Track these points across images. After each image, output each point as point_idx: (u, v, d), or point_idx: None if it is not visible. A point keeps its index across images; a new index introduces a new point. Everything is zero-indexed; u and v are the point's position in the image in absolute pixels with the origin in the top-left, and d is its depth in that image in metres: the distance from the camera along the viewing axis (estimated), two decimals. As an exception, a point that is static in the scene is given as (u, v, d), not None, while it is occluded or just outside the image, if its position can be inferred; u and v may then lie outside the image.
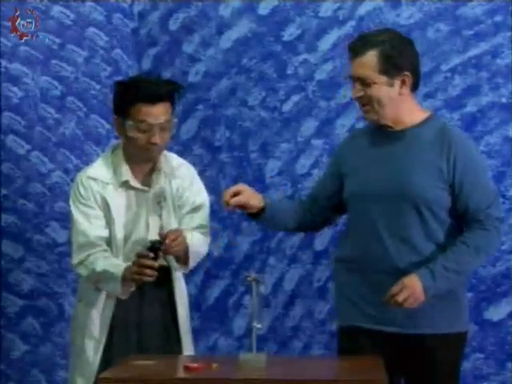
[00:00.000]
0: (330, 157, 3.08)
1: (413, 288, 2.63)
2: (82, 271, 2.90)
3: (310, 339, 3.70)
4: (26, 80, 3.67)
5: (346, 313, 2.78)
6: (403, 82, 2.71)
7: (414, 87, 2.76)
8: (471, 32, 3.55)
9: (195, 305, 3.73)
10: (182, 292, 3.00)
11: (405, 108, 2.74)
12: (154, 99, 2.82)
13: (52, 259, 3.71)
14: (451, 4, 3.57)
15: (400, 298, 2.63)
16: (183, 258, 2.89)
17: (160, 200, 2.93)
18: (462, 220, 2.72)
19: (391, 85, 2.70)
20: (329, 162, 3.01)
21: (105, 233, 2.90)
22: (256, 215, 2.86)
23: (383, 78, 2.69)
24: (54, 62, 3.70)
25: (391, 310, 2.69)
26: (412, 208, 2.70)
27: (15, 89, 3.67)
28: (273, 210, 2.86)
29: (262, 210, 2.84)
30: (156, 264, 2.76)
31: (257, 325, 2.57)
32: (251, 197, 2.81)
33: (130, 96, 2.82)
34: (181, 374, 2.49)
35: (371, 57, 2.69)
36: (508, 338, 3.54)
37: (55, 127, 3.71)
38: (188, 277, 3.71)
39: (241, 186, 2.82)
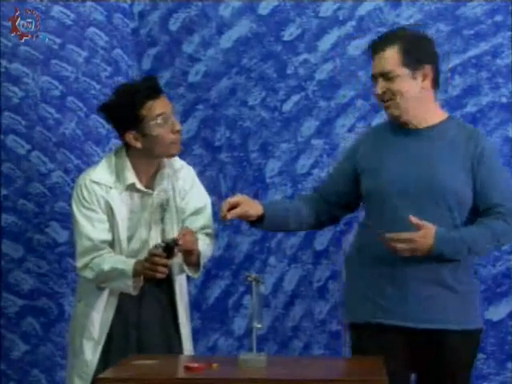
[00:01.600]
0: (343, 154, 3.06)
1: (420, 244, 2.65)
2: (88, 274, 2.91)
3: (310, 339, 3.70)
4: (26, 80, 3.67)
5: (361, 309, 2.78)
6: (425, 76, 2.75)
7: (435, 84, 2.80)
8: (471, 32, 3.56)
9: (195, 305, 3.73)
10: (182, 293, 3.01)
11: (426, 105, 2.78)
12: (156, 92, 2.90)
13: (52, 259, 3.71)
14: (451, 4, 3.57)
15: (398, 247, 2.64)
16: (194, 263, 2.91)
17: (163, 203, 2.94)
18: (483, 215, 2.73)
19: (414, 78, 2.74)
20: (341, 160, 3.00)
21: (108, 236, 2.92)
22: (256, 221, 2.87)
23: (406, 71, 2.73)
24: (54, 62, 3.69)
25: (408, 303, 2.71)
26: (440, 203, 2.72)
27: (15, 89, 3.67)
28: (273, 217, 2.86)
29: (262, 216, 2.85)
30: (169, 262, 2.80)
31: (257, 325, 2.57)
32: (249, 207, 2.81)
33: (136, 102, 2.86)
34: (181, 373, 2.50)
35: (392, 51, 2.73)
36: (508, 338, 3.54)
37: (55, 127, 3.70)
38: (188, 277, 3.73)
39: (239, 197, 2.82)
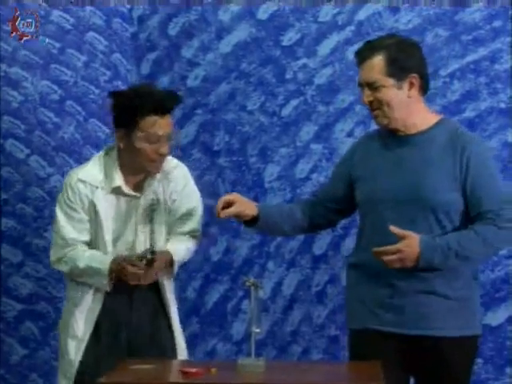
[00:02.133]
0: (340, 159, 3.06)
1: (407, 254, 2.65)
2: (62, 267, 2.95)
3: (308, 344, 3.70)
4: (25, 84, 3.68)
5: (360, 316, 2.79)
6: (411, 84, 2.74)
7: (423, 90, 2.78)
8: (470, 37, 3.56)
9: (194, 309, 3.73)
10: (171, 292, 3.03)
11: (415, 111, 2.76)
12: (164, 111, 2.87)
13: (51, 263, 3.73)
14: (450, 9, 3.57)
15: (386, 259, 2.65)
16: (168, 270, 2.96)
17: (153, 203, 2.95)
18: (474, 221, 2.72)
19: (400, 87, 2.73)
20: (338, 165, 3.01)
21: (86, 237, 2.94)
22: (251, 222, 2.88)
23: (391, 81, 2.72)
24: (53, 66, 3.71)
25: (406, 312, 2.71)
26: (429, 213, 2.71)
27: (15, 93, 3.68)
28: (267, 218, 2.88)
29: (257, 217, 2.86)
30: (142, 272, 2.83)
31: (255, 329, 2.57)
32: (244, 206, 2.83)
33: (140, 108, 2.85)
34: (179, 378, 2.49)
35: (378, 60, 2.72)
36: (507, 343, 3.55)
37: (54, 131, 3.71)
38: (187, 281, 3.73)
39: (234, 196, 2.84)
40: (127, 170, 2.93)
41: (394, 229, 2.65)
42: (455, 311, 2.72)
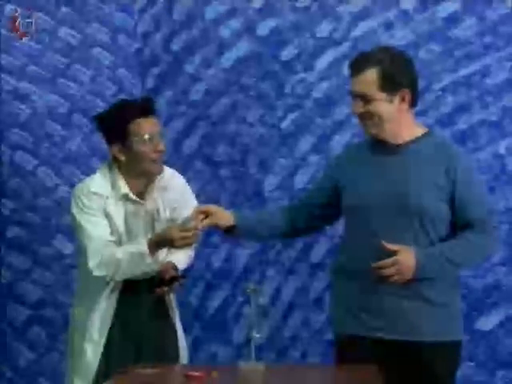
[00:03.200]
0: (326, 167, 3.10)
1: (404, 265, 2.66)
2: (103, 271, 2.93)
3: (307, 348, 3.73)
4: (33, 98, 3.73)
5: (343, 321, 2.81)
6: (402, 99, 2.74)
7: (413, 103, 2.79)
8: (462, 53, 3.62)
9: (196, 315, 3.76)
10: (173, 300, 3.11)
11: (403, 123, 2.77)
12: (147, 112, 2.98)
13: (58, 270, 3.77)
14: (442, 26, 3.62)
15: (386, 272, 2.67)
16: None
17: (153, 213, 3.03)
18: (462, 230, 2.75)
19: (391, 101, 2.73)
20: (324, 173, 3.01)
21: (114, 238, 2.99)
22: (229, 230, 2.91)
23: (383, 95, 2.72)
24: (60, 80, 3.76)
25: (390, 317, 2.73)
26: (414, 219, 2.72)
27: (23, 106, 3.73)
28: (245, 226, 2.89)
29: (234, 226, 2.89)
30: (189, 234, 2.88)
31: (256, 334, 2.60)
32: (220, 217, 2.86)
33: (126, 117, 2.95)
34: (182, 382, 2.53)
35: (371, 74, 2.71)
36: (498, 347, 3.60)
37: (62, 143, 3.77)
38: (189, 288, 3.73)
39: (210, 207, 2.87)
40: (130, 177, 3.01)
41: (386, 245, 2.67)
42: (437, 316, 2.73)
